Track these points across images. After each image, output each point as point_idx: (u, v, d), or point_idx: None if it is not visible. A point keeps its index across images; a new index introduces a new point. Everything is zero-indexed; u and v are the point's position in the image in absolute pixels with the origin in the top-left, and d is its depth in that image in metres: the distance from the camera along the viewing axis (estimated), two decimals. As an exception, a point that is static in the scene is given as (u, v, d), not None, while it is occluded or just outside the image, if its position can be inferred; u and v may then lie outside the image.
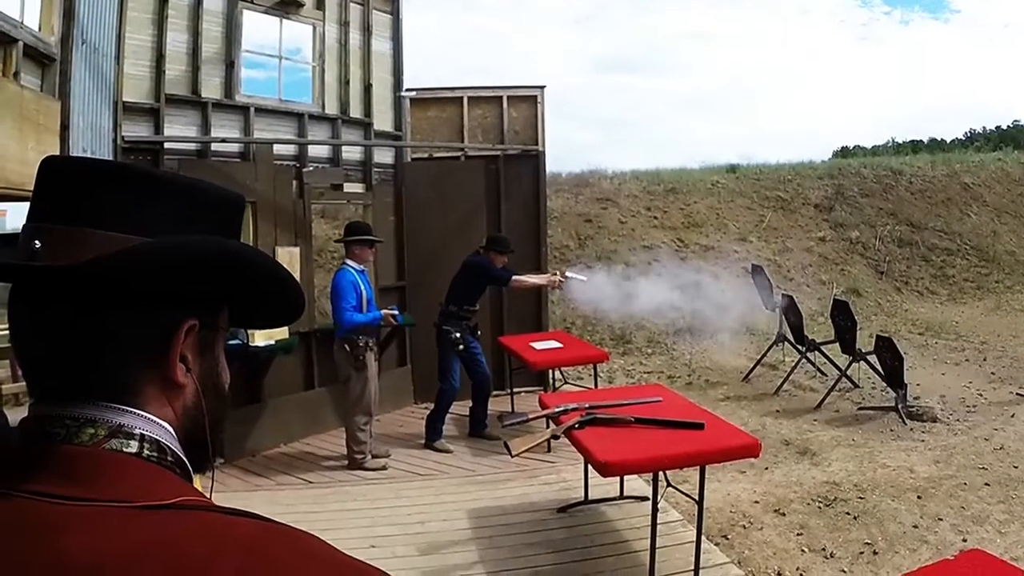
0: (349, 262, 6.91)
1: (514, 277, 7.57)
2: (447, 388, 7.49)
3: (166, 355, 0.90)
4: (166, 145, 7.10)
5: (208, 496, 0.89)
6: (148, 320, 0.89)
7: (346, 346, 6.76)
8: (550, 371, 8.72)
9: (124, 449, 0.85)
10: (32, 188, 0.95)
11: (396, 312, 7.03)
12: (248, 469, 6.88)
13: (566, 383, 9.16)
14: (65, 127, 5.53)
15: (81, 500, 0.78)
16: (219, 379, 1.00)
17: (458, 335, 7.42)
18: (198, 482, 1.01)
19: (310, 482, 6.69)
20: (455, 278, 7.64)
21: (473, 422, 7.77)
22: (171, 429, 0.91)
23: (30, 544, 0.75)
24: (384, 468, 6.96)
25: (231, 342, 6.72)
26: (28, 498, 0.78)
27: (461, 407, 7.77)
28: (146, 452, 0.86)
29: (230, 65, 7.60)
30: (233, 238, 0.98)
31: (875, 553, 5.79)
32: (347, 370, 6.84)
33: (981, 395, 10.04)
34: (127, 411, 0.88)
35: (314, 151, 8.38)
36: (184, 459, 0.92)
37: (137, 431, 0.87)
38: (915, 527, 6.17)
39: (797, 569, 5.58)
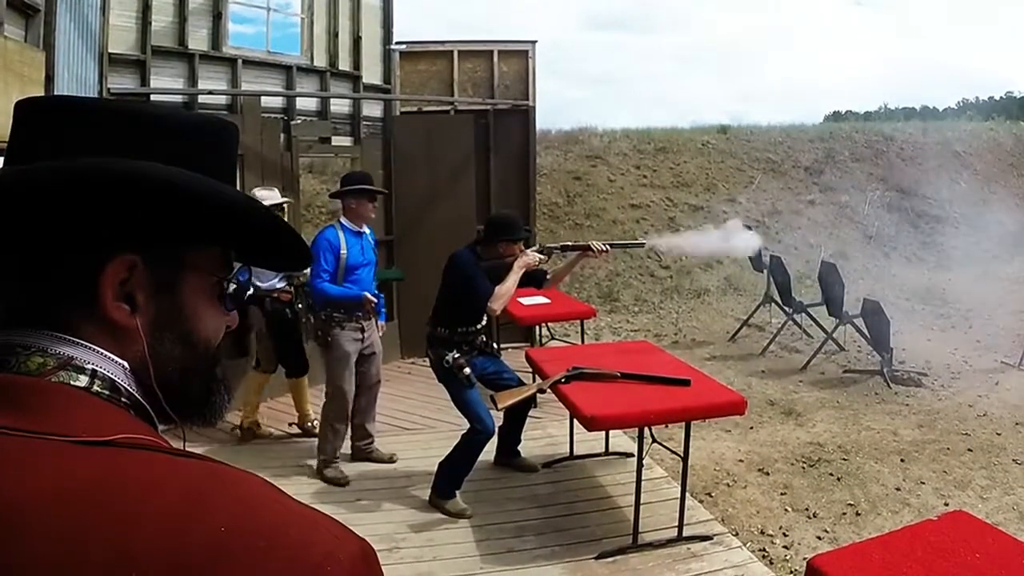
0: (342, 220, 5.77)
1: (496, 292, 5.10)
2: (480, 429, 5.19)
3: (96, 291, 0.84)
4: (152, 97, 6.96)
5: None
6: (73, 251, 0.84)
7: (311, 318, 5.90)
8: (537, 327, 8.71)
9: (72, 382, 0.80)
10: None
11: (379, 301, 5.83)
12: (235, 423, 6.85)
13: (553, 339, 9.16)
14: (49, 78, 5.47)
15: (23, 432, 0.73)
16: (184, 324, 0.92)
17: (453, 358, 5.23)
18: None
19: (294, 438, 6.66)
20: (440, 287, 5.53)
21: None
22: (127, 368, 0.86)
23: None
24: (343, 484, 5.73)
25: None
26: None
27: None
28: (96, 388, 0.82)
29: (217, 16, 7.47)
30: (214, 170, 0.90)
31: (857, 514, 5.83)
32: (317, 350, 5.96)
33: (966, 362, 10.10)
34: (79, 344, 0.83)
35: (302, 104, 8.27)
36: (143, 401, 0.87)
37: (89, 366, 0.82)
38: (897, 490, 6.22)
39: (780, 528, 5.61)
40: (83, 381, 0.81)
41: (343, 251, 5.63)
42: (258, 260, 1.03)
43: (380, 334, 6.03)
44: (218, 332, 0.97)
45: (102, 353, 0.84)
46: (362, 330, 5.77)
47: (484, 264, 5.24)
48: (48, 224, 0.82)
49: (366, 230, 5.88)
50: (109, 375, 0.83)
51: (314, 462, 5.88)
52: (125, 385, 0.85)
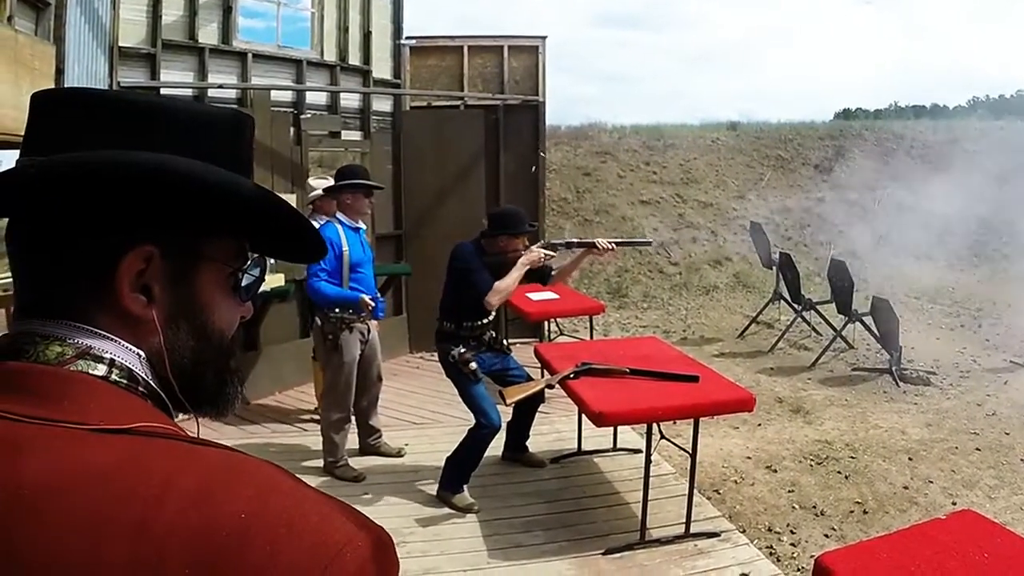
0: (339, 216, 5.64)
1: (495, 287, 5.05)
2: (485, 424, 5.11)
3: (113, 282, 0.84)
4: (162, 91, 6.96)
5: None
6: (90, 243, 0.84)
7: (318, 320, 5.64)
8: (546, 322, 8.71)
9: (91, 371, 0.81)
10: None
11: (377, 304, 5.61)
12: (243, 417, 6.84)
13: (561, 335, 9.16)
14: (60, 72, 5.49)
15: (41, 419, 0.74)
16: (199, 315, 0.91)
17: (458, 352, 5.19)
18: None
19: (304, 430, 6.67)
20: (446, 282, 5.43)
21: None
22: (143, 357, 0.86)
23: None
24: (358, 480, 5.68)
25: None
26: None
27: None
28: (115, 377, 0.82)
29: (227, 10, 7.49)
30: (230, 162, 0.90)
31: (865, 512, 5.83)
32: (321, 351, 5.77)
33: (975, 361, 10.09)
34: (98, 333, 0.84)
35: (312, 98, 8.28)
36: (159, 391, 0.87)
37: (107, 355, 0.83)
38: (905, 488, 6.21)
39: (787, 525, 5.61)
40: (101, 370, 0.82)
41: (345, 248, 5.52)
42: (274, 252, 1.03)
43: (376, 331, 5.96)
44: (233, 323, 0.97)
45: (119, 343, 0.84)
46: (367, 330, 5.73)
47: (487, 258, 5.17)
48: (67, 216, 0.83)
49: (362, 226, 5.80)
50: (127, 364, 0.84)
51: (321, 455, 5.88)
52: (142, 374, 0.85)
